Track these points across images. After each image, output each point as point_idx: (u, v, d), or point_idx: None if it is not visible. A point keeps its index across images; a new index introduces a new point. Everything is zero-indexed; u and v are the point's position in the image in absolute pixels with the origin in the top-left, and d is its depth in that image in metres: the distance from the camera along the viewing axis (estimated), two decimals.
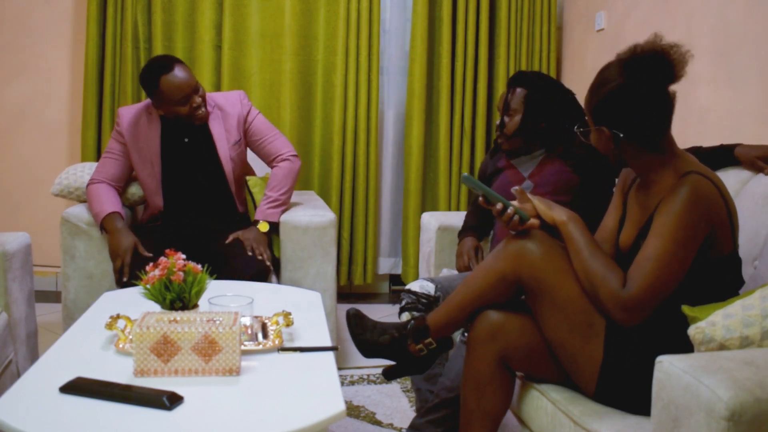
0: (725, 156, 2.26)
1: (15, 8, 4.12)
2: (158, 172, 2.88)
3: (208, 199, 2.94)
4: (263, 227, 2.83)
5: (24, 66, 4.16)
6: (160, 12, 3.99)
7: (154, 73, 2.72)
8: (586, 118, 1.86)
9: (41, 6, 4.13)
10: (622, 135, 1.75)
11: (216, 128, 2.88)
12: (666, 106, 1.74)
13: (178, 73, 2.71)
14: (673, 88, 1.75)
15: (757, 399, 1.19)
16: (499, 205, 1.86)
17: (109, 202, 2.82)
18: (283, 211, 2.96)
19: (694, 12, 2.97)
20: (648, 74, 1.72)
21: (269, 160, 3.01)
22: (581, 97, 2.01)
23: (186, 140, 2.86)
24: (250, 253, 2.70)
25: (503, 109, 2.59)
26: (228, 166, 2.91)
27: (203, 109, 2.80)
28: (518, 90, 2.55)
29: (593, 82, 1.81)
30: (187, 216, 2.91)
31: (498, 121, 2.63)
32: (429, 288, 2.42)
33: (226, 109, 2.91)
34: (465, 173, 1.89)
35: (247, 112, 2.96)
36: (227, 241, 2.77)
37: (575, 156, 2.50)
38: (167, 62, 2.74)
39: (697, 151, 2.31)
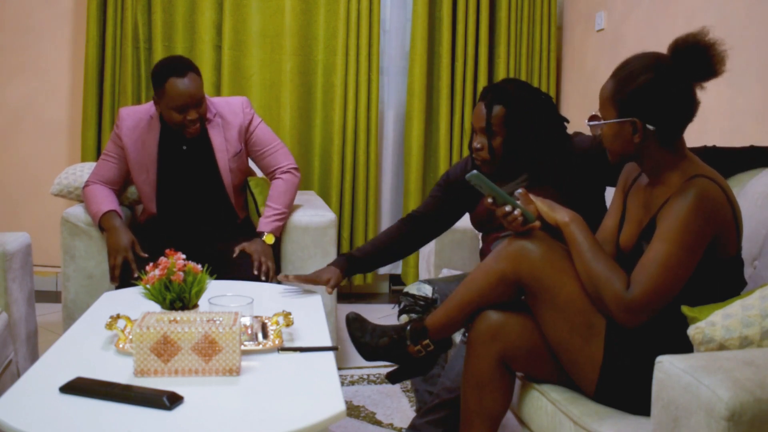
0: (761, 157, 2.19)
1: (15, 8, 4.12)
2: (153, 178, 2.86)
3: (205, 208, 2.92)
4: (269, 239, 2.79)
5: (24, 66, 4.16)
6: (160, 12, 3.99)
7: (166, 71, 2.69)
8: (602, 110, 1.80)
9: (41, 6, 4.13)
10: (653, 128, 1.71)
11: (216, 138, 2.85)
12: (695, 103, 1.73)
13: (187, 81, 2.68)
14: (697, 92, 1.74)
15: (757, 399, 1.19)
16: (508, 207, 1.85)
17: (105, 201, 2.82)
18: (285, 224, 2.95)
19: (694, 12, 2.97)
20: (690, 66, 1.69)
21: (268, 172, 2.97)
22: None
23: (184, 148, 2.84)
24: (256, 272, 2.67)
25: (485, 130, 2.28)
26: (227, 178, 2.88)
27: (197, 126, 2.75)
28: (496, 108, 2.26)
29: (623, 73, 1.75)
30: (182, 222, 2.90)
31: (475, 143, 2.31)
32: (426, 290, 2.43)
33: (228, 118, 2.87)
34: (474, 171, 1.85)
35: (249, 122, 2.91)
36: (234, 255, 2.73)
37: (563, 180, 2.32)
38: (183, 66, 2.70)
39: (712, 150, 2.23)
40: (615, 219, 1.96)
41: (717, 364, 1.28)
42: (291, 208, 2.96)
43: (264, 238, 2.79)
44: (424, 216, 2.59)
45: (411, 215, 2.61)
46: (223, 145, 2.85)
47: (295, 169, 2.96)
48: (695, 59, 1.69)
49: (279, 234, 2.90)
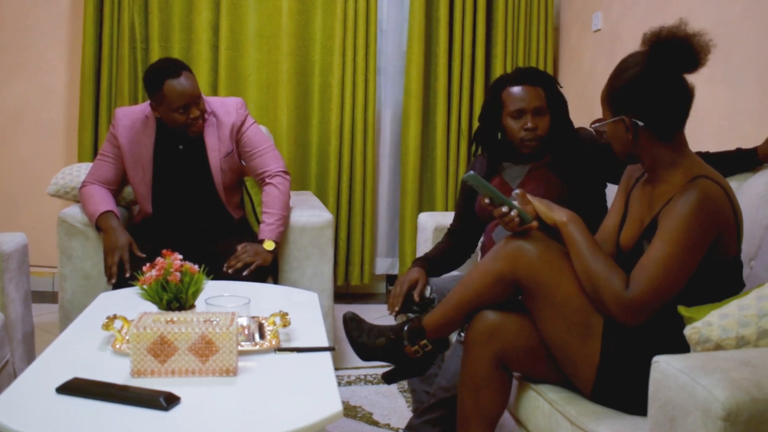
0: (747, 159, 2.22)
1: (12, 8, 4.11)
2: (149, 178, 2.86)
3: (199, 207, 2.92)
4: (269, 246, 2.78)
5: (21, 66, 4.15)
6: (157, 12, 3.98)
7: (160, 75, 2.69)
8: (603, 112, 1.84)
9: (38, 6, 4.12)
10: (642, 124, 1.73)
11: (209, 137, 2.85)
12: (686, 95, 1.74)
13: (184, 80, 2.68)
14: (691, 82, 1.75)
15: (754, 399, 1.20)
16: (504, 208, 1.86)
17: (102, 201, 2.82)
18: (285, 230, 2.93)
19: (692, 12, 2.97)
20: (670, 59, 1.71)
21: (257, 174, 2.95)
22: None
23: (180, 147, 2.84)
24: (239, 265, 2.67)
25: (538, 109, 2.36)
26: (218, 177, 2.88)
27: (200, 122, 2.77)
28: (537, 88, 2.38)
29: (613, 73, 1.80)
30: (177, 222, 2.90)
31: (529, 124, 2.35)
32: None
33: (221, 118, 2.87)
34: (471, 171, 1.86)
35: (242, 122, 2.91)
36: (238, 250, 2.73)
37: (564, 167, 2.38)
38: (175, 67, 2.71)
39: (705, 156, 2.27)
40: (616, 219, 1.96)
41: (713, 364, 1.29)
42: (289, 211, 2.96)
43: (264, 244, 2.78)
44: (458, 229, 2.66)
45: (449, 231, 2.69)
46: (215, 144, 2.85)
47: (284, 172, 2.95)
48: (674, 51, 1.71)
49: (282, 239, 2.90)
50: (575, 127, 2.48)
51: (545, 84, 2.41)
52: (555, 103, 2.41)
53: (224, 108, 2.90)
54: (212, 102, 2.89)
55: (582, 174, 2.37)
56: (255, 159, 2.94)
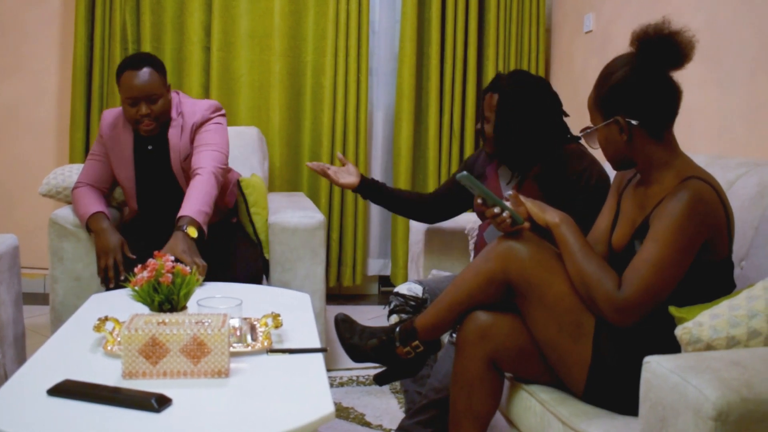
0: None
1: (3, 8, 4.10)
2: (132, 175, 2.84)
3: (176, 207, 2.83)
4: (192, 233, 2.51)
5: (12, 66, 4.14)
6: (148, 13, 3.98)
7: (125, 63, 2.70)
8: (591, 119, 1.84)
9: (30, 6, 4.11)
10: (636, 122, 1.74)
11: (173, 138, 2.79)
12: (675, 91, 1.75)
13: (142, 75, 2.65)
14: (678, 82, 1.76)
15: (744, 399, 1.20)
16: (497, 209, 1.86)
17: (93, 202, 2.80)
18: (206, 222, 2.60)
19: (683, 14, 2.98)
20: (659, 56, 1.72)
21: (191, 171, 2.73)
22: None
23: (149, 147, 2.81)
24: (188, 268, 2.44)
25: (479, 115, 2.45)
26: (181, 179, 2.81)
27: (150, 123, 2.69)
28: (492, 96, 2.37)
29: (599, 77, 1.81)
30: (163, 220, 2.87)
31: (478, 125, 2.47)
32: (417, 290, 2.43)
33: (187, 119, 2.80)
34: (464, 172, 1.87)
35: (203, 122, 2.79)
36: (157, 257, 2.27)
37: (548, 181, 2.35)
38: (141, 60, 2.69)
39: None
40: (608, 220, 1.96)
41: (704, 365, 1.29)
42: (211, 206, 2.65)
43: (187, 230, 2.51)
44: (436, 193, 2.82)
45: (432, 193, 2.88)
46: (177, 145, 2.79)
47: (217, 169, 2.69)
48: (662, 48, 1.72)
49: (206, 222, 2.59)
50: (568, 138, 2.44)
51: (501, 91, 2.36)
52: (508, 111, 2.35)
53: (193, 108, 2.82)
54: (185, 103, 2.84)
55: (563, 190, 2.33)
56: (194, 156, 2.75)
